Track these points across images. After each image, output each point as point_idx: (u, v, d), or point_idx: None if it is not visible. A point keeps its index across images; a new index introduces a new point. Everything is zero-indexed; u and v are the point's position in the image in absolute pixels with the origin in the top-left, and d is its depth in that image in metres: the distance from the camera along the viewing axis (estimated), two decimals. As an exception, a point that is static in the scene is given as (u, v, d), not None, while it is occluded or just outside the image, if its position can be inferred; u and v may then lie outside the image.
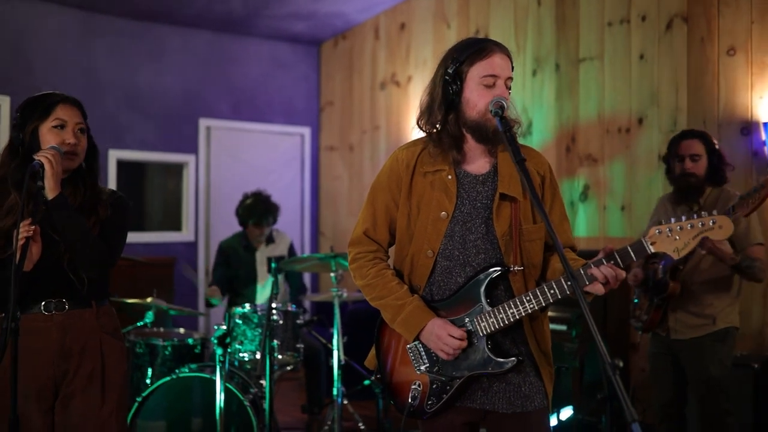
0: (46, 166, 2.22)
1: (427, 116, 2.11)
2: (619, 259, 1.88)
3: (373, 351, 2.26)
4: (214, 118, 6.82)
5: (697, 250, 3.15)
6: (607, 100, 4.86)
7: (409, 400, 2.09)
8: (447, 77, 2.03)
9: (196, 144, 6.72)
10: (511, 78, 2.06)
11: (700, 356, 3.30)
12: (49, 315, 2.34)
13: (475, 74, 2.02)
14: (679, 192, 3.43)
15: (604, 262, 1.88)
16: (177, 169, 6.71)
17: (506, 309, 1.98)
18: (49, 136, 2.33)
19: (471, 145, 2.10)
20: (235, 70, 6.94)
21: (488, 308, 2.00)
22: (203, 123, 6.75)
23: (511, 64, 2.08)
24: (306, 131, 7.37)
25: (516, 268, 2.01)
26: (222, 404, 3.43)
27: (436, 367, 2.08)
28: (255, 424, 3.59)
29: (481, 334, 2.02)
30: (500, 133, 1.98)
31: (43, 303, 2.34)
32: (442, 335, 2.00)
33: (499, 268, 2.02)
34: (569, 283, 1.85)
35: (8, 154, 2.36)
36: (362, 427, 4.42)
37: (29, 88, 5.70)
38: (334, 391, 3.92)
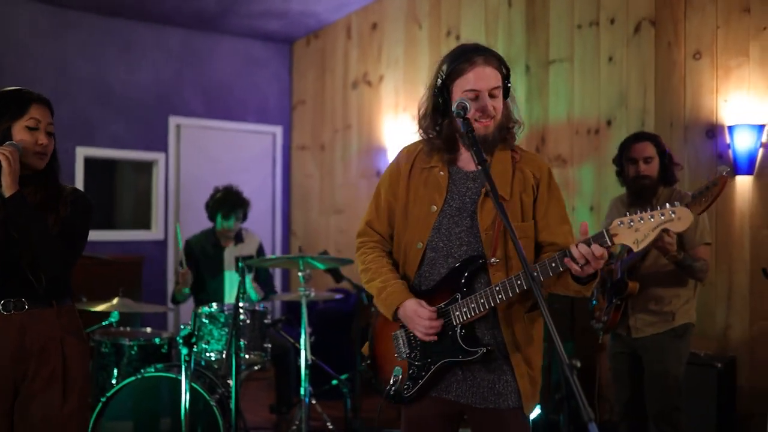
0: (3, 164, 2.20)
1: (423, 122, 2.22)
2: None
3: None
4: (185, 116, 6.76)
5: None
6: (576, 102, 4.90)
7: (391, 383, 2.20)
8: (436, 89, 2.15)
9: (166, 142, 6.65)
10: (498, 87, 2.11)
11: (660, 352, 3.33)
12: (7, 315, 2.31)
13: (459, 88, 2.11)
14: (633, 194, 3.46)
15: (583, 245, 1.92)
16: (147, 167, 6.64)
17: (477, 299, 2.05)
18: (22, 136, 2.31)
19: (464, 147, 2.20)
20: (208, 67, 6.89)
21: (463, 298, 2.08)
22: (173, 120, 6.69)
23: (501, 70, 2.13)
24: (278, 130, 7.34)
25: (493, 260, 2.08)
26: (187, 404, 3.39)
27: (414, 353, 2.17)
28: (221, 423, 3.57)
29: (455, 323, 2.10)
30: (464, 134, 2.05)
31: (1, 302, 2.31)
32: (414, 315, 2.10)
33: (481, 260, 2.09)
34: (534, 274, 1.90)
35: None
36: (330, 427, 4.41)
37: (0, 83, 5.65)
38: (302, 391, 3.90)
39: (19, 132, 2.31)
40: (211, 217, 4.83)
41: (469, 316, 2.08)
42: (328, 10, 6.57)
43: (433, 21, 5.97)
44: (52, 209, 2.35)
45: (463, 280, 2.10)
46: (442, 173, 2.18)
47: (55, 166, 2.44)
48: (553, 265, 1.98)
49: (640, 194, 3.40)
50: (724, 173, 2.92)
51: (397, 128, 6.22)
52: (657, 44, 4.51)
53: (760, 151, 4.05)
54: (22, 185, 2.28)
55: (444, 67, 2.14)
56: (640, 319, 3.37)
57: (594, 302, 3.56)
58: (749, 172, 4.07)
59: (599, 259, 1.90)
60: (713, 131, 4.23)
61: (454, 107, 2.08)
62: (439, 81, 2.14)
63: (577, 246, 1.92)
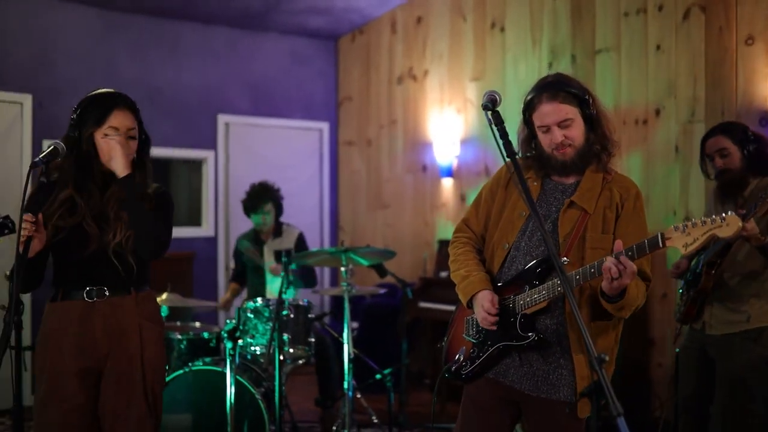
0: (118, 148, 2.44)
1: (522, 146, 2.43)
2: (636, 252, 2.05)
3: None
4: (233, 114, 6.86)
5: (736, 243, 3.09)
6: (623, 92, 4.80)
7: (456, 358, 2.42)
8: (524, 121, 2.38)
9: (215, 140, 6.76)
10: (569, 119, 2.26)
11: (729, 353, 3.22)
12: (91, 302, 2.47)
13: (535, 122, 2.32)
14: (720, 189, 3.34)
15: (614, 258, 2.05)
16: (196, 165, 6.76)
17: (540, 290, 2.21)
18: (102, 143, 2.46)
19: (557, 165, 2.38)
20: (253, 65, 6.97)
21: (528, 290, 2.25)
22: (222, 119, 6.79)
23: (572, 102, 2.27)
24: (324, 126, 7.39)
25: (565, 260, 2.22)
26: (232, 398, 3.45)
27: (479, 336, 2.36)
28: (266, 417, 3.62)
29: (517, 311, 2.27)
30: (492, 128, 2.13)
31: (85, 290, 2.47)
32: (480, 303, 2.29)
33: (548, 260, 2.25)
34: (578, 276, 2.13)
35: (67, 148, 2.45)
36: (375, 421, 4.43)
37: (51, 86, 5.83)
38: (345, 385, 3.93)
39: (100, 140, 2.46)
40: (246, 214, 4.99)
41: (530, 305, 2.23)
42: (372, 5, 6.58)
43: (478, 14, 5.91)
44: (147, 205, 2.52)
45: (535, 275, 2.25)
46: (535, 183, 2.37)
47: (146, 161, 2.61)
48: (592, 270, 2.11)
49: (726, 189, 3.29)
50: None
51: (443, 123, 6.20)
52: (707, 30, 4.38)
53: (817, 139, 3.90)
54: (108, 184, 2.49)
55: (526, 99, 2.35)
56: (715, 316, 3.26)
57: (680, 291, 3.46)
58: (805, 161, 3.92)
59: (626, 270, 2.02)
60: (767, 119, 4.09)
61: (483, 99, 2.17)
62: (524, 116, 2.36)
63: (609, 258, 2.06)
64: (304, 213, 7.10)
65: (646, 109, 4.69)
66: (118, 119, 2.48)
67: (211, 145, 6.74)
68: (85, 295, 2.48)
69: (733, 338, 3.21)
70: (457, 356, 2.43)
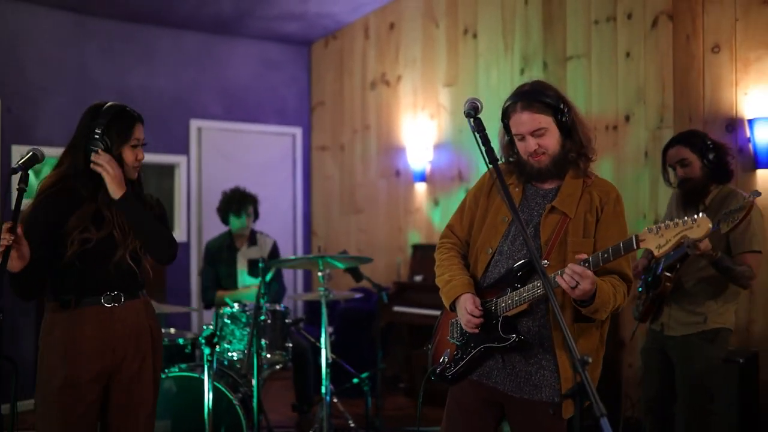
0: (104, 175, 2.54)
1: (503, 150, 2.49)
2: (611, 254, 2.12)
3: None
4: (205, 119, 6.83)
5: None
6: (594, 98, 4.89)
7: (440, 360, 2.48)
8: (504, 128, 2.43)
9: (187, 145, 6.73)
10: (542, 128, 2.31)
11: (689, 354, 3.31)
12: (109, 307, 2.57)
13: (512, 129, 2.38)
14: (683, 197, 3.41)
15: (581, 264, 2.13)
16: (169, 170, 6.72)
17: (521, 293, 2.26)
18: (128, 155, 2.62)
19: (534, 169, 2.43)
20: (226, 71, 6.95)
21: (509, 292, 2.31)
22: (194, 124, 6.76)
23: (546, 111, 2.31)
24: (297, 131, 7.39)
25: (545, 262, 2.27)
26: (210, 403, 3.45)
27: (462, 338, 2.42)
28: (244, 422, 3.61)
29: (498, 313, 2.32)
30: (474, 134, 2.17)
31: (102, 296, 2.57)
32: (463, 306, 2.33)
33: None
34: (555, 278, 2.16)
35: (82, 162, 2.56)
36: (352, 425, 4.44)
37: (20, 91, 5.75)
38: (323, 390, 3.94)
39: (126, 153, 2.61)
40: (224, 220, 4.98)
41: (511, 307, 2.28)
42: (345, 11, 6.61)
43: (450, 20, 5.98)
44: (148, 209, 2.68)
45: (516, 278, 2.30)
46: (517, 189, 2.42)
47: (140, 174, 2.75)
48: (560, 273, 2.15)
49: (688, 197, 3.37)
50: (751, 198, 2.95)
51: (416, 128, 6.25)
52: (675, 38, 4.49)
53: (781, 145, 4.02)
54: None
55: (504, 106, 2.40)
56: (673, 317, 3.35)
57: (639, 289, 3.54)
58: (770, 166, 4.04)
59: (582, 278, 2.08)
60: (733, 125, 4.20)
61: (465, 107, 2.21)
62: (504, 119, 2.41)
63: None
64: (278, 218, 7.09)
65: (616, 115, 4.79)
66: (139, 131, 2.65)
67: (184, 150, 6.71)
68: (103, 301, 2.57)
69: (691, 339, 3.30)
70: (442, 358, 2.48)
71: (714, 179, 3.33)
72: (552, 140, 2.33)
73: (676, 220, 2.04)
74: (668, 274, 3.32)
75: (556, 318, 2.23)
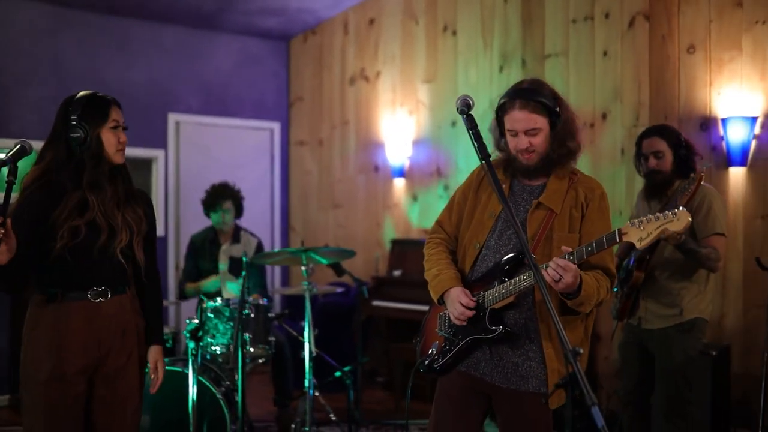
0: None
1: (494, 146, 2.51)
2: (595, 247, 2.19)
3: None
4: (184, 113, 6.80)
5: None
6: (572, 96, 4.96)
7: (429, 353, 2.52)
8: (496, 121, 2.47)
9: (165, 139, 6.70)
10: (536, 127, 2.35)
11: (667, 346, 3.39)
12: (95, 302, 2.56)
13: (506, 124, 2.42)
14: (648, 188, 3.53)
15: (566, 258, 2.20)
16: (146, 165, 6.69)
17: (507, 285, 2.31)
18: (108, 137, 2.58)
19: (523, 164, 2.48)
20: (205, 64, 6.93)
21: (496, 285, 2.36)
22: (172, 118, 6.74)
23: (542, 111, 2.35)
24: (276, 126, 7.39)
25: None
26: (195, 397, 3.46)
27: (450, 331, 2.46)
28: (228, 416, 3.63)
29: (486, 305, 2.37)
30: (467, 131, 2.20)
31: (89, 291, 2.55)
32: (454, 300, 2.38)
33: (521, 256, 2.34)
34: (543, 270, 2.19)
35: (64, 154, 2.54)
36: (333, 418, 4.48)
37: (-4, 82, 5.69)
38: (306, 383, 3.97)
39: (106, 135, 2.57)
40: (207, 214, 4.97)
41: (498, 300, 2.33)
42: (325, 7, 6.62)
43: (430, 17, 6.02)
44: (137, 203, 2.68)
45: (503, 272, 2.35)
46: (504, 185, 2.45)
47: (128, 168, 2.73)
48: (545, 267, 2.20)
49: (653, 189, 3.48)
50: (704, 169, 3.07)
51: (395, 124, 6.29)
52: (651, 38, 4.58)
53: (753, 143, 4.13)
54: (109, 180, 2.58)
55: (500, 101, 2.44)
56: (650, 311, 3.44)
57: (615, 289, 3.62)
58: (742, 164, 4.15)
59: (566, 271, 2.14)
60: (707, 124, 4.30)
61: (456, 104, 2.25)
62: (497, 117, 2.46)
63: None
64: (256, 213, 7.09)
65: (593, 112, 4.87)
66: (117, 113, 2.63)
67: (162, 144, 6.68)
68: (89, 296, 2.56)
69: (668, 332, 3.39)
70: (430, 350, 2.53)
71: (679, 174, 3.44)
72: (543, 140, 2.39)
73: (657, 213, 2.12)
74: (639, 266, 3.40)
75: (542, 310, 2.30)
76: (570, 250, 2.21)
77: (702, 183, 3.39)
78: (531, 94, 2.36)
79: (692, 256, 3.28)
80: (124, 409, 2.61)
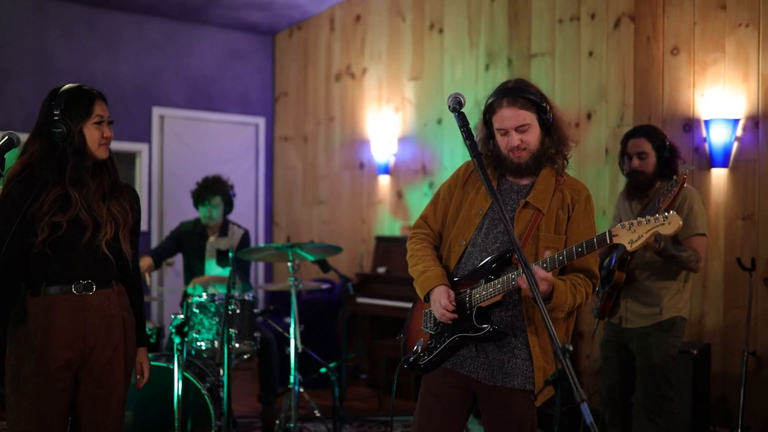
0: None
1: (480, 144, 2.48)
2: (585, 248, 2.21)
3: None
4: (168, 107, 6.77)
5: None
6: (557, 96, 5.00)
7: (414, 349, 2.52)
8: (485, 119, 2.46)
9: (149, 132, 6.66)
10: (526, 124, 2.37)
11: (647, 345, 3.43)
12: (79, 296, 2.55)
13: (494, 124, 2.42)
14: (629, 188, 3.57)
15: (539, 264, 2.23)
16: (130, 158, 6.64)
17: (495, 284, 2.32)
18: (92, 132, 2.56)
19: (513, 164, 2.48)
20: (190, 59, 6.89)
21: (483, 284, 2.35)
22: (156, 111, 6.70)
23: (531, 108, 2.37)
24: (260, 121, 7.37)
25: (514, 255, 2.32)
26: (180, 393, 3.45)
27: (437, 328, 2.46)
28: (213, 412, 3.63)
29: (473, 304, 2.37)
30: (459, 128, 2.22)
31: (74, 284, 2.54)
32: (438, 299, 2.39)
33: (508, 254, 2.35)
34: (516, 279, 2.23)
35: (47, 147, 2.53)
36: (318, 415, 4.49)
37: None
38: (291, 379, 3.97)
39: (89, 130, 2.56)
40: (195, 206, 4.92)
41: (485, 298, 2.33)
42: (311, 2, 6.61)
43: (417, 14, 6.03)
44: (123, 197, 2.66)
45: (491, 271, 2.35)
46: (492, 183, 2.41)
47: (112, 156, 2.72)
48: (520, 273, 2.19)
49: (635, 189, 3.51)
50: (686, 172, 3.08)
51: (380, 120, 6.29)
52: (636, 39, 4.62)
53: (735, 145, 4.19)
54: (92, 174, 2.58)
55: (487, 102, 2.44)
56: (630, 310, 3.47)
57: (596, 288, 3.64)
58: (724, 165, 4.20)
59: (541, 279, 2.16)
60: (690, 125, 4.35)
61: (448, 101, 2.27)
62: (485, 117, 2.45)
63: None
64: (240, 208, 7.05)
65: (578, 112, 4.91)
66: (101, 108, 2.61)
67: (146, 137, 6.64)
68: (73, 289, 2.55)
69: (648, 330, 3.43)
70: (415, 347, 2.52)
71: (661, 176, 3.48)
72: (534, 137, 2.39)
73: (648, 216, 2.13)
74: (621, 267, 3.44)
75: (529, 308, 2.32)
76: (549, 254, 2.23)
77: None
78: (517, 91, 2.38)
79: (673, 261, 3.33)
80: (107, 405, 2.60)
